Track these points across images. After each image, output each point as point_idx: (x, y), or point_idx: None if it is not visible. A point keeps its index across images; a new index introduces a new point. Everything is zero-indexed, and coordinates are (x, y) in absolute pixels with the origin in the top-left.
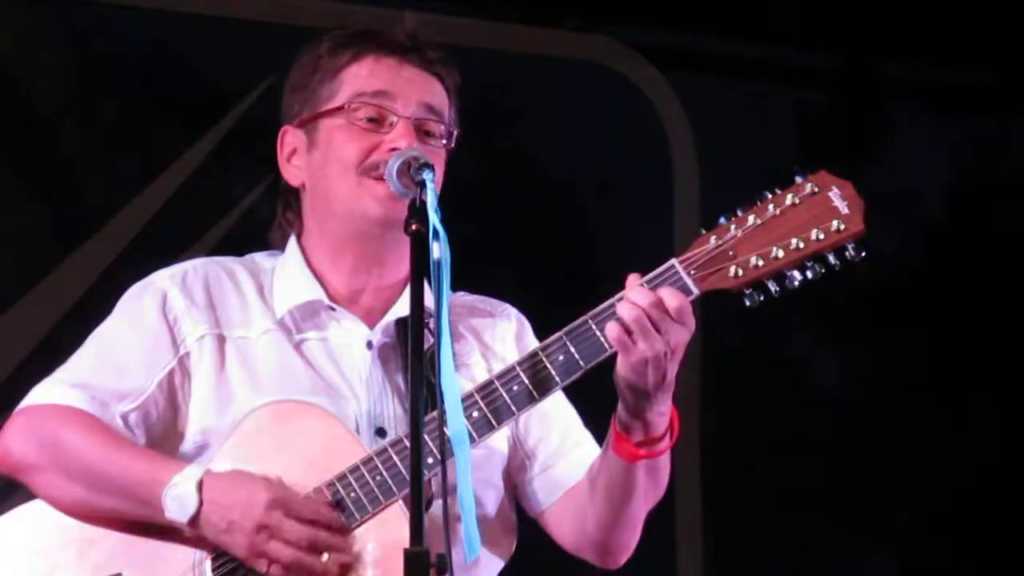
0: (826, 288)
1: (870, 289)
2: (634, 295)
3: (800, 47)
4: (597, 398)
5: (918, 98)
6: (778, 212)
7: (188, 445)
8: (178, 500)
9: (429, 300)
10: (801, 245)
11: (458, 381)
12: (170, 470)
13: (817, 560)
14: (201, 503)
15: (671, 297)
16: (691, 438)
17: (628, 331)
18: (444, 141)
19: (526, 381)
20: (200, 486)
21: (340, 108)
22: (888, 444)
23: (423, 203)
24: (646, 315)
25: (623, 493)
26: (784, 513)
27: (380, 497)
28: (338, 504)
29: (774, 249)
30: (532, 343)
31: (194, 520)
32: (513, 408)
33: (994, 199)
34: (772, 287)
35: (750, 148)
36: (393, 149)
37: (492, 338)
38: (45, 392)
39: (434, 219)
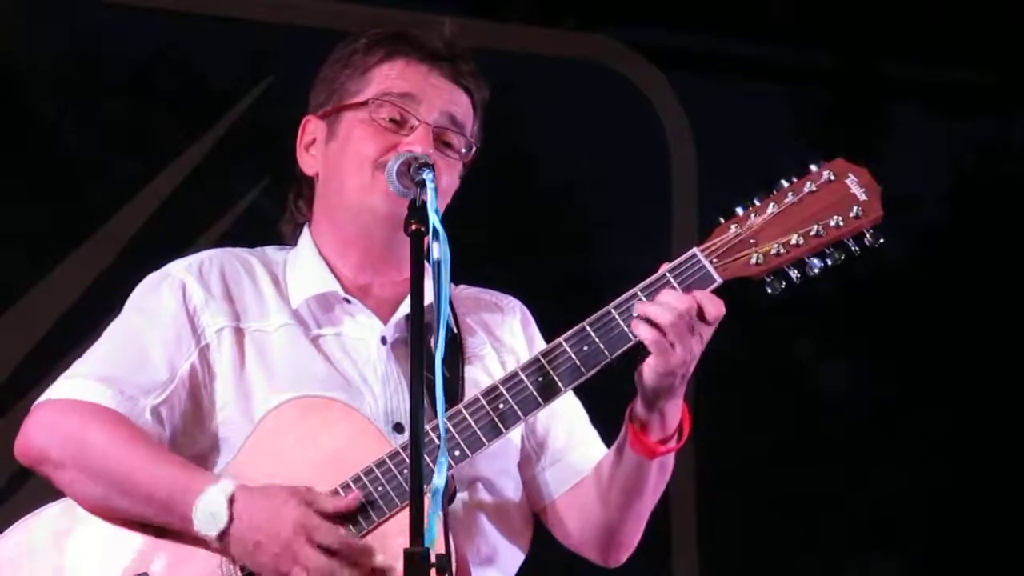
0: (826, 290)
1: (870, 290)
2: (671, 299)
3: (800, 47)
4: (603, 399)
5: (918, 98)
6: (796, 199)
7: (209, 439)
8: (208, 514)
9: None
10: (820, 232)
11: (473, 374)
12: (200, 482)
13: (815, 568)
14: (231, 520)
15: (711, 305)
16: (687, 443)
17: (663, 333)
18: (464, 151)
19: (551, 372)
20: (231, 503)
21: (364, 103)
22: (888, 448)
23: (423, 203)
24: (683, 320)
25: (635, 490)
26: (781, 519)
27: (408, 491)
28: (365, 498)
29: (794, 236)
30: (536, 334)
31: (222, 536)
32: (539, 399)
33: (994, 199)
34: (793, 274)
35: (749, 148)
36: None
37: (501, 331)
38: (69, 387)
39: (434, 219)
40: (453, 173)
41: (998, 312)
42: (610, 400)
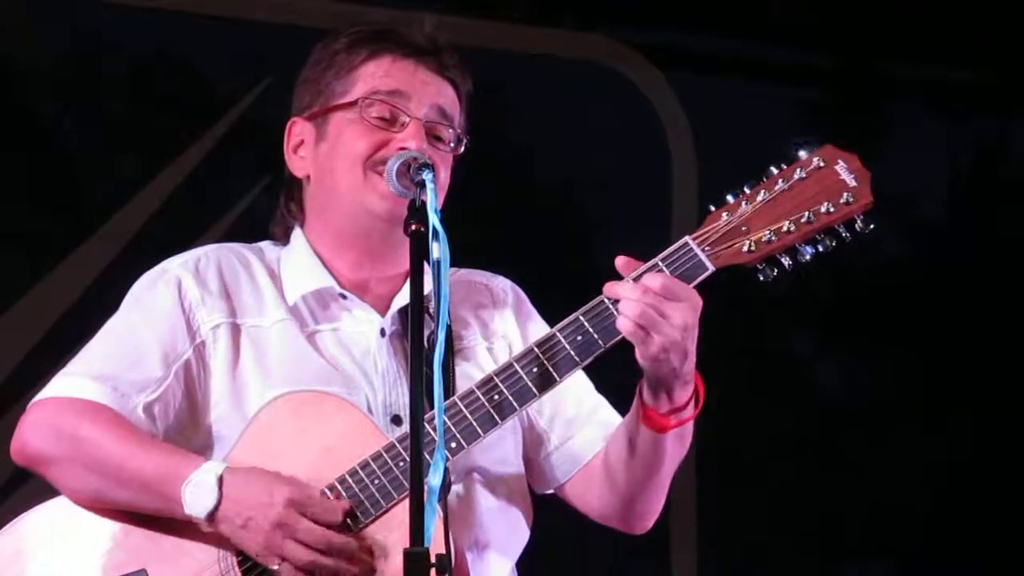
0: (825, 288)
1: (869, 289)
2: (625, 291)
3: (800, 47)
4: (612, 373)
5: (918, 98)
6: (787, 187)
7: (203, 436)
8: (197, 495)
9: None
10: (812, 219)
11: (463, 367)
12: (190, 465)
13: (815, 568)
14: (220, 499)
15: (652, 280)
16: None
17: (639, 325)
18: (452, 145)
19: (546, 362)
20: (220, 482)
21: (353, 103)
22: (886, 445)
23: (423, 203)
24: (646, 305)
25: (653, 461)
26: (781, 518)
27: (405, 484)
28: (362, 492)
29: (785, 224)
30: (531, 312)
31: (212, 516)
32: (535, 390)
33: (994, 199)
34: (785, 262)
35: (749, 148)
36: (402, 148)
37: (492, 319)
38: (63, 385)
39: (434, 219)
40: (446, 167)
41: (998, 311)
42: (615, 385)
